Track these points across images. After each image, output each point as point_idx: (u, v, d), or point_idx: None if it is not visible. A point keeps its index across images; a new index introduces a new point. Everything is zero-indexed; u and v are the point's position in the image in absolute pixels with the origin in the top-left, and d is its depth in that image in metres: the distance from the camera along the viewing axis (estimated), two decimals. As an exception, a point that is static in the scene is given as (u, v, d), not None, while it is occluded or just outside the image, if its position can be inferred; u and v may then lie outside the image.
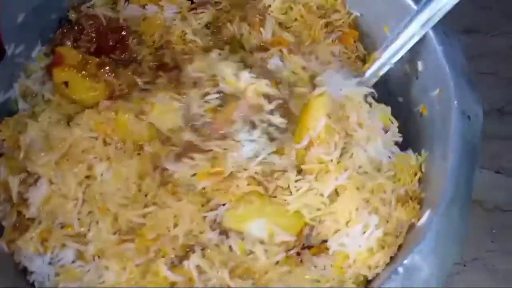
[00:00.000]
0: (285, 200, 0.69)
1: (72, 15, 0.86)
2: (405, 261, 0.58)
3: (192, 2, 0.90)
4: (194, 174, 0.70)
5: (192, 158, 0.70)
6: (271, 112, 0.73)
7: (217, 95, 0.74)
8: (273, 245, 0.67)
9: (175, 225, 0.68)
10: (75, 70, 0.75)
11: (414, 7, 0.78)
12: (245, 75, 0.74)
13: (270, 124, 0.73)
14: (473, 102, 0.70)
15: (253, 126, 0.72)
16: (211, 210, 0.69)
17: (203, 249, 0.67)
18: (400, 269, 0.57)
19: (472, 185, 0.64)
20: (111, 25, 0.84)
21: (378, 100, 0.88)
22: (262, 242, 0.67)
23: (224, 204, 0.69)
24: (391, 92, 0.87)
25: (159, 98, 0.74)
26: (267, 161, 0.71)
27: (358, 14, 0.92)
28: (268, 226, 0.67)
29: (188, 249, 0.68)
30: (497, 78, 1.08)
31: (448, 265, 0.58)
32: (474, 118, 0.68)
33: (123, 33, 0.84)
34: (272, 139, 0.72)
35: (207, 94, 0.75)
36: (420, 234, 0.61)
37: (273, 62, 0.80)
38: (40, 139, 0.72)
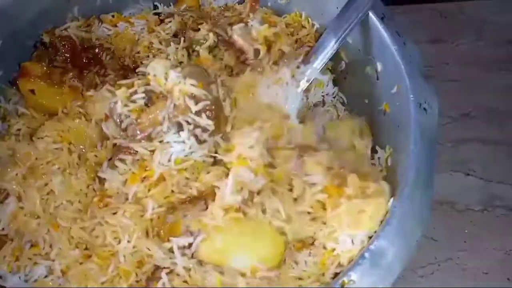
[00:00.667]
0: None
1: (46, 38, 0.88)
2: (371, 246, 0.59)
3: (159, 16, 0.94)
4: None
5: (124, 162, 0.69)
6: (198, 114, 0.69)
7: (143, 95, 0.72)
8: (256, 278, 0.64)
9: (119, 242, 0.67)
10: (39, 80, 0.78)
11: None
12: (173, 74, 0.70)
13: (197, 126, 0.69)
14: (428, 94, 0.73)
15: (180, 127, 0.69)
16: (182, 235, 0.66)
17: (169, 273, 0.65)
18: (367, 254, 0.59)
19: (432, 171, 0.66)
20: (84, 44, 0.88)
21: (346, 104, 0.93)
22: (243, 275, 0.64)
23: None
24: (357, 94, 0.91)
25: (98, 93, 0.74)
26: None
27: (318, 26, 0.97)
28: (250, 261, 0.64)
29: (154, 269, 0.66)
30: (463, 85, 1.13)
31: (412, 246, 0.59)
32: (430, 110, 0.71)
33: (96, 50, 0.87)
34: (200, 142, 0.70)
35: (134, 93, 0.72)
36: (386, 219, 0.62)
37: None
38: (7, 157, 0.73)
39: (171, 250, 0.66)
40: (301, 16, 0.98)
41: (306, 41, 0.96)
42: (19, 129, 0.76)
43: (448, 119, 1.10)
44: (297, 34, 0.96)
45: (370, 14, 0.84)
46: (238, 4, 0.98)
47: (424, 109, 0.72)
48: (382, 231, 0.60)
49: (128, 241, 0.66)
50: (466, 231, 0.95)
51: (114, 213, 0.68)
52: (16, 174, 0.71)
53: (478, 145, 1.06)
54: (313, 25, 0.98)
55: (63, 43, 0.87)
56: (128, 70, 0.81)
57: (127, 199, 0.69)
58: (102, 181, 0.71)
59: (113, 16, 0.93)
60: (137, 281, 0.67)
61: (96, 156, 0.74)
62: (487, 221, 0.97)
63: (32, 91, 0.78)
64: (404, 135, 0.73)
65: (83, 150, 0.73)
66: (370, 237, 0.64)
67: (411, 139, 0.69)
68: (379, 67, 0.85)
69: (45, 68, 0.80)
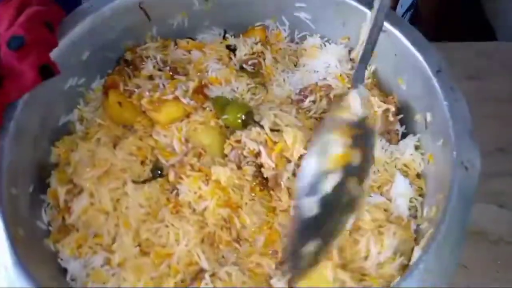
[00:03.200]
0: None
1: (129, 56, 1.01)
2: (392, 296, 0.63)
3: (230, 49, 1.03)
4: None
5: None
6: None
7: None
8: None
9: (178, 244, 0.78)
10: (125, 95, 0.91)
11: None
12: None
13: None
14: (472, 153, 0.76)
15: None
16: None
17: (212, 275, 0.75)
18: (387, 303, 0.63)
19: (464, 229, 0.69)
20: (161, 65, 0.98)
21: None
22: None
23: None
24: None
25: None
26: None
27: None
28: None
29: (199, 271, 0.76)
30: (498, 120, 1.17)
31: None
32: (471, 169, 0.74)
33: (170, 73, 0.97)
34: None
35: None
36: (410, 271, 0.66)
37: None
38: (87, 158, 0.85)
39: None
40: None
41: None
42: (99, 138, 0.88)
43: (482, 153, 1.11)
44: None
45: (426, 65, 0.87)
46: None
47: (466, 167, 0.74)
48: (404, 281, 0.64)
49: (186, 245, 0.77)
50: (498, 262, 0.97)
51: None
52: (93, 175, 0.82)
53: (511, 179, 1.09)
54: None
55: (143, 62, 0.98)
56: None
57: (195, 210, 0.80)
58: (178, 192, 0.82)
59: (187, 42, 1.03)
60: (182, 281, 0.76)
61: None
62: None
63: (120, 103, 0.89)
64: (441, 190, 0.76)
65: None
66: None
67: (447, 197, 0.72)
68: (429, 117, 0.88)
69: (128, 84, 0.92)
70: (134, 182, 0.81)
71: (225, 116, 0.87)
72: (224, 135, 0.88)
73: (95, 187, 0.81)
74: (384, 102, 0.94)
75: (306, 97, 0.95)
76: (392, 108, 0.94)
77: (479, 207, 0.97)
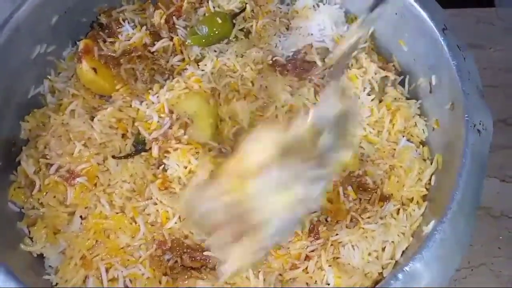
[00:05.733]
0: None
1: (103, 19, 0.91)
2: (406, 268, 0.58)
3: None
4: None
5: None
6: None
7: None
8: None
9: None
10: (100, 60, 0.81)
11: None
12: None
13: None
14: (484, 116, 0.70)
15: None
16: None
17: None
18: (400, 275, 0.57)
19: (479, 195, 0.64)
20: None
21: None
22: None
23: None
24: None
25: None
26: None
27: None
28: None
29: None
30: (500, 91, 1.12)
31: (450, 272, 0.57)
32: (484, 132, 0.68)
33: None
34: None
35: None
36: (424, 242, 0.60)
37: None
38: (61, 132, 0.76)
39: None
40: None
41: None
42: (73, 110, 0.79)
43: None
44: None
45: (431, 24, 0.81)
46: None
47: (478, 130, 0.68)
48: (419, 254, 0.59)
49: (176, 223, 0.70)
50: (500, 237, 0.94)
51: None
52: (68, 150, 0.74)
53: None
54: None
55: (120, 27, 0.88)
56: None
57: (186, 186, 0.72)
58: (165, 167, 0.74)
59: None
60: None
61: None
62: None
63: (95, 69, 0.80)
64: (453, 155, 0.70)
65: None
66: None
67: (461, 161, 0.66)
68: (434, 80, 0.82)
69: (104, 49, 0.83)
70: (114, 157, 0.73)
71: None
72: (211, 103, 0.80)
73: (70, 165, 0.73)
74: (383, 69, 0.88)
75: (300, 60, 0.87)
76: (391, 77, 0.88)
77: None
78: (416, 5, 0.83)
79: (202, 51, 0.89)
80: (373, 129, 0.83)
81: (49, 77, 0.87)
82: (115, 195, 0.71)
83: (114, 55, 0.82)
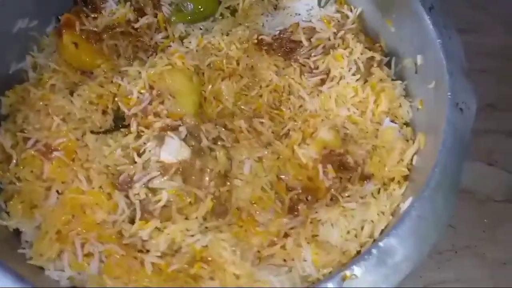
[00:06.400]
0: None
1: None
2: (380, 243, 0.57)
3: None
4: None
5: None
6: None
7: None
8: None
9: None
10: (82, 35, 0.80)
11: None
12: None
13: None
14: (467, 94, 0.69)
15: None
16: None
17: None
18: (374, 251, 0.57)
19: (459, 174, 0.63)
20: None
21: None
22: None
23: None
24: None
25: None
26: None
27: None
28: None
29: None
30: (489, 76, 1.11)
31: (425, 250, 0.57)
32: (467, 110, 0.67)
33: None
34: None
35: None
36: (400, 218, 0.60)
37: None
38: (40, 106, 0.75)
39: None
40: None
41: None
42: (53, 84, 0.77)
43: None
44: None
45: (418, 3, 0.79)
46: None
47: (461, 109, 0.68)
48: (394, 229, 0.58)
49: None
50: (485, 220, 0.94)
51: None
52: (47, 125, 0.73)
53: (502, 136, 1.05)
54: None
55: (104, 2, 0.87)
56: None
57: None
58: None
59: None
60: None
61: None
62: (507, 212, 0.95)
63: (76, 44, 0.79)
64: (435, 134, 0.69)
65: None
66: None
67: (442, 139, 0.66)
68: (420, 60, 0.81)
69: (86, 24, 0.81)
70: (93, 132, 0.72)
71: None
72: (194, 81, 0.79)
73: (48, 139, 0.72)
74: (370, 50, 0.87)
75: (287, 39, 0.86)
76: (377, 57, 0.86)
77: (467, 165, 0.95)
78: (404, -16, 0.82)
79: (187, 29, 0.88)
80: (357, 109, 0.82)
81: (32, 53, 0.85)
82: (92, 170, 0.69)
83: (96, 30, 0.80)
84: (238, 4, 0.92)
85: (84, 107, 0.74)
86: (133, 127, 0.72)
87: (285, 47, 0.88)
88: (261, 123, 0.79)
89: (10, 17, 0.81)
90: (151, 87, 0.74)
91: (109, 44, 0.80)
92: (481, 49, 1.14)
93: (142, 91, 0.74)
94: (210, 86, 0.82)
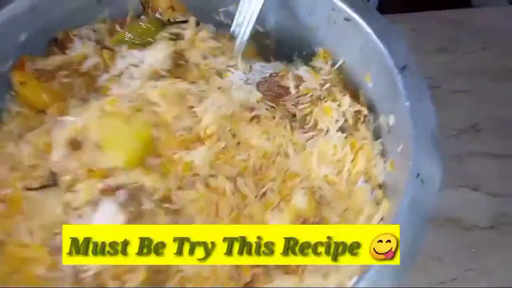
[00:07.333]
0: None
1: (60, 35, 0.87)
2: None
3: None
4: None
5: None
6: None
7: None
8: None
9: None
10: (32, 73, 0.79)
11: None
12: None
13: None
14: (432, 163, 0.65)
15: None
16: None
17: None
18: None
19: (415, 249, 0.59)
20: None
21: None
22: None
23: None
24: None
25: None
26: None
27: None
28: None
29: None
30: (471, 96, 1.09)
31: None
32: (428, 182, 0.63)
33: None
34: None
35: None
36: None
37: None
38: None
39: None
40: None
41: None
42: (10, 130, 0.78)
43: (454, 131, 1.06)
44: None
45: (390, 60, 0.76)
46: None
47: (422, 180, 0.63)
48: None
49: None
50: (473, 249, 0.89)
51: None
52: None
53: (485, 159, 1.01)
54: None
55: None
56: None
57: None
58: None
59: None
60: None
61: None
62: (495, 239, 0.91)
63: (23, 83, 0.78)
64: (394, 202, 0.65)
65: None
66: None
67: (398, 209, 0.61)
68: (391, 120, 0.77)
69: (42, 63, 0.81)
70: (28, 189, 0.68)
71: None
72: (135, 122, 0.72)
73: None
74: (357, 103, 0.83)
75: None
76: (364, 111, 0.83)
77: (451, 192, 0.93)
78: (378, 41, 0.79)
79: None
80: (334, 168, 0.79)
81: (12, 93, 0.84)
82: (35, 224, 0.67)
83: (47, 68, 0.79)
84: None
85: (33, 154, 0.72)
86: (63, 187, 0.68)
87: (273, 91, 0.86)
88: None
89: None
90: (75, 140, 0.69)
91: (63, 83, 0.79)
92: (462, 68, 1.12)
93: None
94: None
